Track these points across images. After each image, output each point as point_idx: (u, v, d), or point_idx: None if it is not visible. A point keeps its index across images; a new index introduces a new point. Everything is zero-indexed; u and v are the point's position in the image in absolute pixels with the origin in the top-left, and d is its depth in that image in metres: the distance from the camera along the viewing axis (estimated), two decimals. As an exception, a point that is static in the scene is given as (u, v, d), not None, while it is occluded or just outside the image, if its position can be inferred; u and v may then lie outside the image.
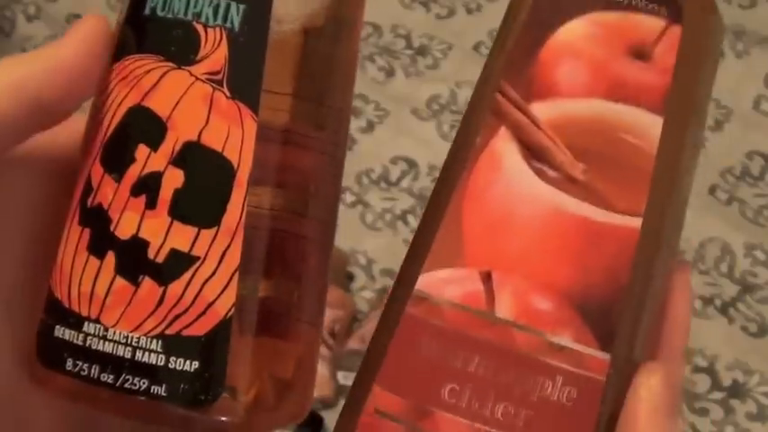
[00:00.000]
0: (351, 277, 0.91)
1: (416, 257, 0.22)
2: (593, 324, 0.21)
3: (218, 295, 0.21)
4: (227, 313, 0.21)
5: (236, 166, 0.22)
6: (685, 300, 0.22)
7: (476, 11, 1.15)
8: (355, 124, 1.04)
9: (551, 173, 0.21)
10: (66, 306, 0.22)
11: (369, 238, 0.94)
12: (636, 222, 0.21)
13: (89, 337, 0.22)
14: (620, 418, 0.20)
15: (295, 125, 0.23)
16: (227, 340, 0.21)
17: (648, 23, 0.21)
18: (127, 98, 0.22)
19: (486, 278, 0.21)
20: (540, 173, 0.21)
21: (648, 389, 0.21)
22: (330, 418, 0.79)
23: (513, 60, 0.22)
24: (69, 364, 0.22)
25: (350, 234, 0.94)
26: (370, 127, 1.04)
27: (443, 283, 0.21)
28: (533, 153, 0.21)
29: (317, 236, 0.24)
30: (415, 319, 0.21)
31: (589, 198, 0.21)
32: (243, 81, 0.22)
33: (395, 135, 1.04)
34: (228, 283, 0.21)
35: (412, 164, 1.01)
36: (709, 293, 0.87)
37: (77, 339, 0.22)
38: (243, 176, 0.21)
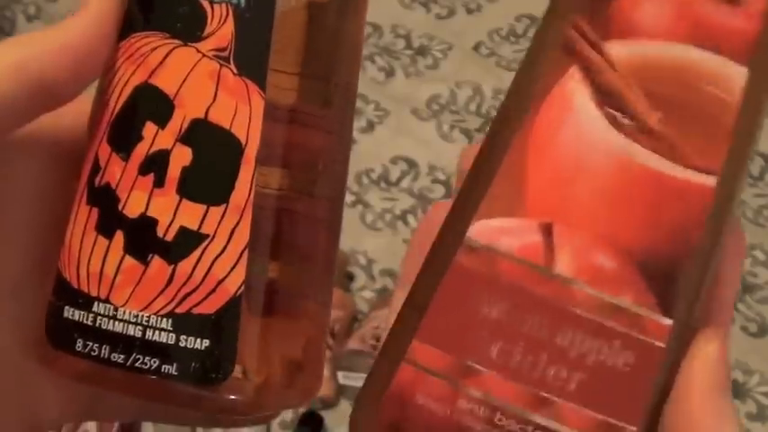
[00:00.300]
0: (351, 277, 0.91)
1: (469, 202, 0.20)
2: (656, 286, 0.19)
3: (228, 273, 0.21)
4: (236, 291, 0.21)
5: (243, 142, 0.21)
6: (739, 266, 0.21)
7: (476, 11, 1.15)
8: (355, 124, 1.04)
9: (625, 120, 0.20)
10: (76, 286, 0.22)
11: (369, 238, 0.95)
12: (711, 181, 0.20)
13: (99, 317, 0.21)
14: (673, 390, 0.19)
15: (302, 103, 0.22)
16: (237, 318, 0.21)
17: None
18: (134, 76, 0.22)
19: (547, 231, 0.20)
20: (612, 120, 0.20)
21: (705, 362, 0.20)
22: (330, 418, 0.79)
23: None
24: (80, 344, 0.21)
25: (350, 234, 0.95)
26: (370, 127, 1.04)
27: (499, 233, 0.20)
28: (606, 97, 0.20)
29: (325, 215, 0.23)
30: (465, 269, 0.20)
31: (664, 151, 0.20)
32: (250, 57, 0.22)
33: (395, 135, 1.04)
34: (238, 261, 0.21)
35: (412, 164, 1.01)
36: (708, 293, 0.88)
37: (87, 319, 0.21)
38: (251, 153, 0.21)
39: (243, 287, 0.21)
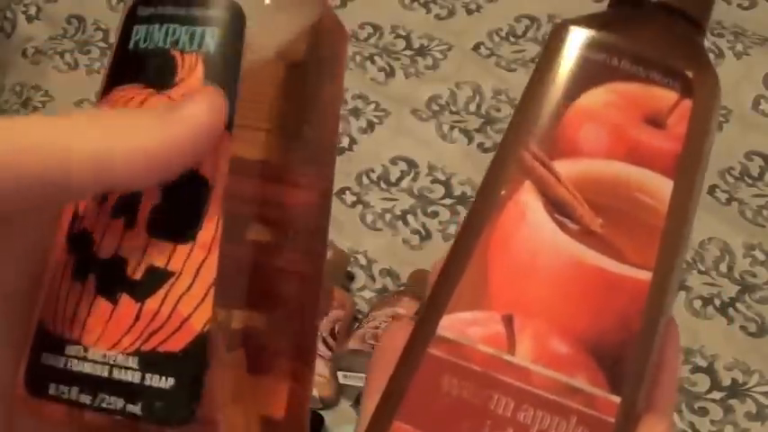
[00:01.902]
0: (351, 277, 0.91)
1: (440, 299, 0.23)
2: (606, 368, 0.22)
3: (194, 310, 0.21)
4: (202, 328, 0.21)
5: (210, 182, 0.22)
6: (678, 354, 0.24)
7: (476, 11, 1.15)
8: (355, 124, 1.05)
9: (572, 225, 0.23)
10: (51, 331, 0.22)
11: (369, 238, 0.95)
12: (646, 275, 0.23)
13: (70, 360, 0.22)
14: None
15: (272, 158, 0.23)
16: (203, 357, 0.21)
17: (663, 95, 0.24)
18: None
19: (508, 321, 0.23)
20: (561, 225, 0.23)
21: None
22: (330, 418, 0.79)
23: (540, 121, 0.24)
24: (52, 388, 0.22)
25: (350, 234, 0.95)
26: (370, 127, 1.04)
27: (466, 325, 0.23)
28: (556, 207, 0.23)
29: (305, 269, 0.24)
30: (438, 358, 0.23)
31: (605, 250, 0.23)
32: None
33: (395, 135, 1.04)
34: (204, 298, 0.22)
35: (412, 164, 1.01)
36: (708, 293, 0.88)
37: (60, 363, 0.22)
38: (218, 193, 0.22)
39: (209, 326, 0.21)
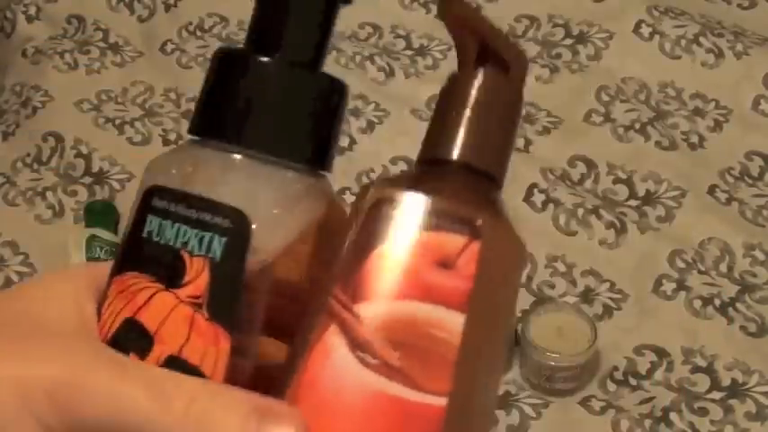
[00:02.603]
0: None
1: None
2: None
3: None
4: None
5: (209, 378, 0.25)
6: None
7: (475, 11, 1.15)
8: (355, 125, 1.04)
9: (372, 361, 0.26)
10: None
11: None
12: (442, 401, 0.25)
13: None
14: None
15: (266, 359, 0.27)
16: None
17: (454, 240, 0.26)
18: (123, 310, 0.26)
19: None
20: (362, 361, 0.26)
21: None
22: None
23: (344, 270, 0.26)
24: None
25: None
26: (370, 127, 1.04)
27: None
28: (357, 345, 0.26)
29: None
30: None
31: (403, 381, 0.25)
32: (220, 306, 0.26)
33: (395, 135, 1.04)
34: None
35: (412, 164, 1.01)
36: (708, 293, 0.87)
37: None
38: None
39: None
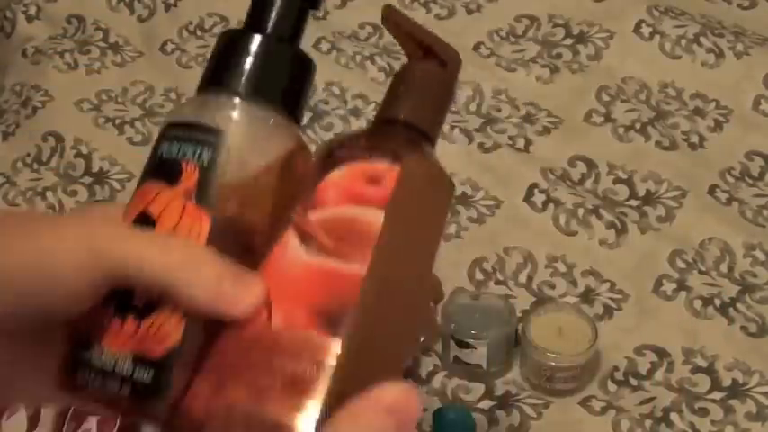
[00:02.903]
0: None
1: None
2: (332, 326, 0.35)
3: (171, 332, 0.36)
4: (173, 344, 0.36)
5: None
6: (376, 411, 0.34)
7: (476, 11, 1.15)
8: (356, 124, 1.04)
9: (314, 246, 0.37)
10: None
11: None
12: (363, 268, 0.36)
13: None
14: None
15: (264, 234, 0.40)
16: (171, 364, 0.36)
17: (381, 166, 0.38)
18: (138, 206, 0.38)
19: (269, 305, 0.37)
20: (307, 246, 0.37)
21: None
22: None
23: (305, 192, 0.39)
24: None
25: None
26: (370, 127, 1.04)
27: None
28: (304, 237, 0.37)
29: None
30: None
31: (335, 256, 0.36)
32: (204, 196, 0.37)
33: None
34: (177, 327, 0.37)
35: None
36: (708, 293, 0.87)
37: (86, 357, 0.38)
38: None
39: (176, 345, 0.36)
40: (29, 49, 1.17)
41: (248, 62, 0.39)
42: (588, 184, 0.97)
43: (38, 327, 0.37)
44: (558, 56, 1.10)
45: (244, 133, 0.38)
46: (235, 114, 0.38)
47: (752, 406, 0.79)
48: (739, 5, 1.14)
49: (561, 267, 0.90)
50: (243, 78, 0.39)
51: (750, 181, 0.97)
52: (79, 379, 0.37)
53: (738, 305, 0.86)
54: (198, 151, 0.38)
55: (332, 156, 0.39)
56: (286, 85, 0.40)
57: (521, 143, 1.01)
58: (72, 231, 0.37)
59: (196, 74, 1.11)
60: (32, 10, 1.20)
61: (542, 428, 0.79)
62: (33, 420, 0.76)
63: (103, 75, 1.13)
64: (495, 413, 0.80)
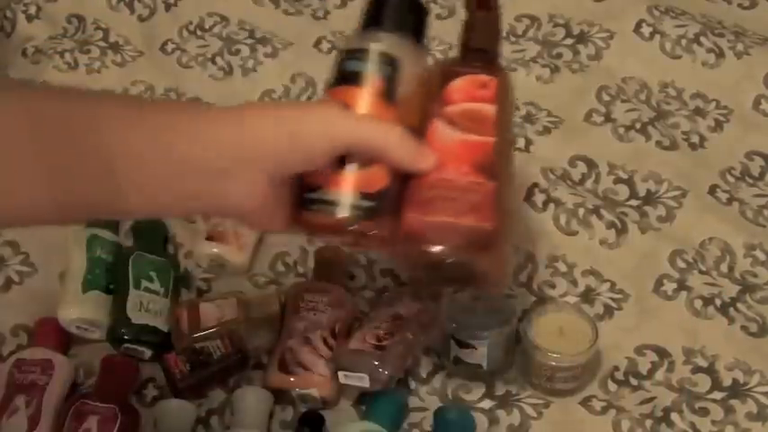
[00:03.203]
0: (351, 277, 0.90)
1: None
2: (484, 172, 0.63)
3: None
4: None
5: None
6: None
7: (476, 11, 1.15)
8: (355, 124, 1.04)
9: (456, 125, 0.64)
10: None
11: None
12: (492, 140, 0.64)
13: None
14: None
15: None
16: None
17: (485, 77, 0.67)
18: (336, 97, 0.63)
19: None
20: (451, 126, 0.64)
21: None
22: (330, 418, 0.79)
23: (439, 96, 0.65)
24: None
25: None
26: (371, 127, 1.04)
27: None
28: (448, 121, 0.64)
29: None
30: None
31: (473, 131, 0.64)
32: (388, 94, 0.62)
33: (395, 135, 1.03)
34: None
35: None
36: (708, 294, 0.87)
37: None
38: None
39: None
40: (29, 48, 1.17)
41: (399, 9, 0.64)
42: (588, 183, 0.97)
43: (278, 178, 0.58)
44: (559, 56, 1.10)
45: (410, 59, 0.63)
46: (398, 43, 0.63)
47: (752, 406, 0.79)
48: (739, 5, 1.14)
49: (562, 267, 0.90)
50: (396, 21, 0.64)
51: (750, 181, 0.97)
52: (309, 212, 0.60)
53: (739, 305, 0.86)
54: (380, 67, 0.61)
55: (448, 71, 0.67)
56: (421, 24, 0.66)
57: (521, 143, 1.01)
58: (314, 122, 0.57)
59: (196, 73, 1.12)
60: (32, 10, 1.19)
61: (542, 428, 0.79)
62: (34, 420, 0.76)
63: (104, 74, 1.13)
64: (495, 413, 0.80)
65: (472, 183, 0.61)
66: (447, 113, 0.63)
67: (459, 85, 0.65)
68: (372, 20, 0.63)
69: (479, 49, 0.67)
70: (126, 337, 0.82)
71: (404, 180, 0.61)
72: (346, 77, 0.60)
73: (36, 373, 0.78)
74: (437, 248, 0.59)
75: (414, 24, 0.64)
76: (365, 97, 0.60)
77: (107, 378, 0.80)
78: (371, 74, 0.60)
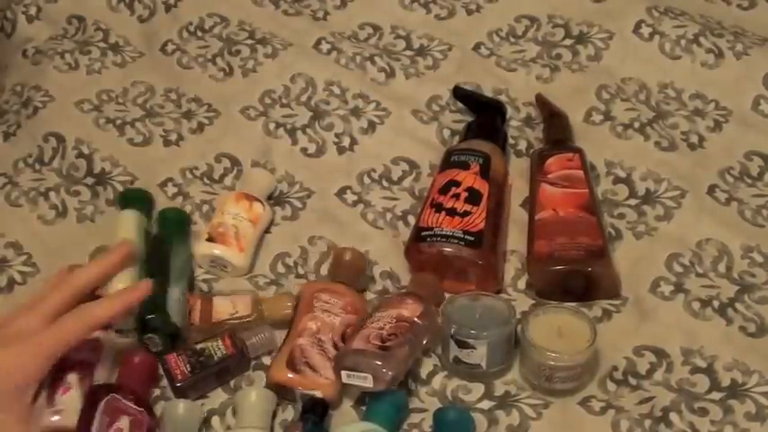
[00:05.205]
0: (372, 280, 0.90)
1: None
2: (587, 211, 0.91)
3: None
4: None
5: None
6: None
7: (476, 11, 1.15)
8: (356, 124, 1.05)
9: (559, 186, 0.93)
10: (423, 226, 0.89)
11: (370, 239, 0.95)
12: (586, 191, 0.93)
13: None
14: None
15: None
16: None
17: (570, 154, 0.97)
18: (447, 177, 0.94)
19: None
20: (556, 187, 0.94)
21: None
22: (330, 418, 0.79)
23: (536, 170, 0.96)
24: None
25: (352, 235, 0.95)
26: (371, 127, 1.04)
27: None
28: (553, 184, 0.94)
29: None
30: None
31: (572, 188, 0.93)
32: (486, 175, 0.92)
33: (395, 135, 1.04)
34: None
35: (413, 165, 1.01)
36: (706, 294, 0.88)
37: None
38: None
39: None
40: (29, 49, 1.17)
41: (491, 128, 0.98)
42: (588, 184, 0.97)
43: None
44: (558, 56, 1.10)
45: (496, 157, 0.93)
46: (490, 147, 0.93)
47: (751, 406, 0.79)
48: (739, 6, 1.15)
49: (561, 267, 0.90)
50: (491, 131, 0.97)
51: (749, 181, 0.97)
52: (425, 244, 0.87)
53: (737, 305, 0.86)
54: (478, 159, 0.91)
55: (542, 155, 0.94)
56: (504, 142, 0.98)
57: (522, 144, 1.01)
58: None
59: (197, 74, 1.12)
60: (33, 10, 1.20)
61: (542, 429, 0.79)
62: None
63: (104, 75, 1.13)
64: (494, 413, 0.80)
65: (579, 217, 0.87)
66: (549, 179, 0.91)
67: (552, 162, 0.93)
68: (472, 132, 0.97)
69: (558, 139, 0.97)
70: (164, 331, 0.83)
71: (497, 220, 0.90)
72: (456, 164, 0.92)
73: (86, 351, 0.79)
74: (564, 263, 0.85)
75: (497, 139, 0.97)
76: (470, 174, 0.90)
77: (132, 376, 0.81)
78: (471, 162, 0.91)
